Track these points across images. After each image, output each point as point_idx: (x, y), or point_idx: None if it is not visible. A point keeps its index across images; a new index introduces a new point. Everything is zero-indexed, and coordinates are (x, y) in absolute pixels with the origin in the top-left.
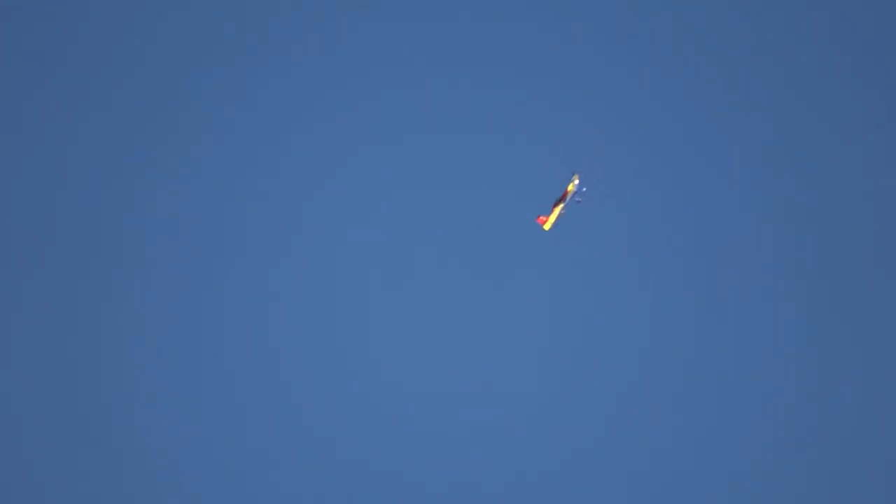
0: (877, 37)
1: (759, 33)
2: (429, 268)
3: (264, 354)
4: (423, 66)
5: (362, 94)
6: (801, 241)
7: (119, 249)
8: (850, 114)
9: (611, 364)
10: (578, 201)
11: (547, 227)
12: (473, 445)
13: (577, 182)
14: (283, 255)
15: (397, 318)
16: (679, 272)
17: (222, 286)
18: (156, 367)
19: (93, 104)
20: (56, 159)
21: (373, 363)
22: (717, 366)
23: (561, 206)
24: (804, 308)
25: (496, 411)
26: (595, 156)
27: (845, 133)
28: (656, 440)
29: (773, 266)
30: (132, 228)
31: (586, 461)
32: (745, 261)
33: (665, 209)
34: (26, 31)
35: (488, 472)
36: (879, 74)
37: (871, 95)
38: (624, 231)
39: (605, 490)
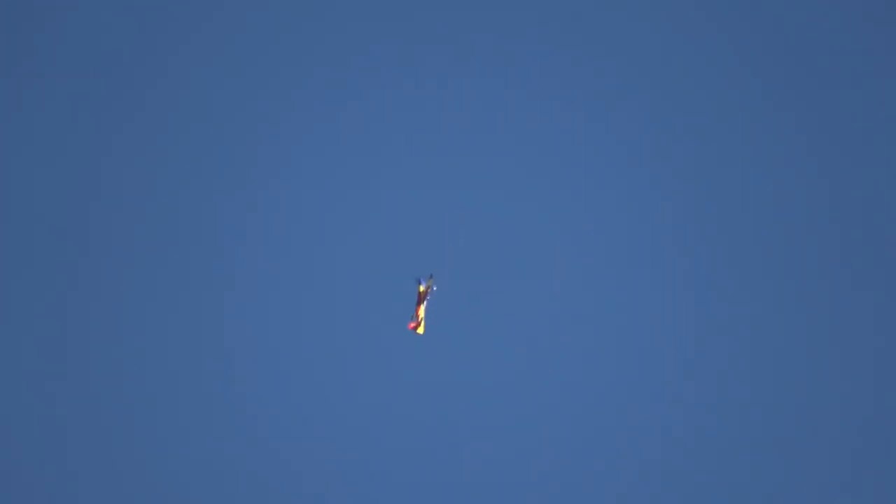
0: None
1: (755, 35)
2: (428, 268)
3: (265, 355)
4: (420, 66)
5: (360, 95)
6: (800, 242)
7: (114, 248)
8: (850, 114)
9: (611, 365)
10: (434, 290)
11: (421, 330)
12: (474, 445)
13: (430, 284)
14: (283, 254)
15: (396, 318)
16: (678, 273)
17: (223, 286)
18: (152, 366)
19: (92, 103)
20: (52, 158)
21: (372, 364)
22: (718, 366)
23: (422, 307)
24: (803, 308)
25: (495, 411)
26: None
27: (845, 133)
28: (655, 440)
29: (773, 267)
30: (128, 227)
31: (586, 462)
32: (745, 261)
33: (664, 209)
34: (25, 31)
35: (487, 473)
36: (879, 75)
37: (870, 96)
38: (623, 231)
39: (608, 491)
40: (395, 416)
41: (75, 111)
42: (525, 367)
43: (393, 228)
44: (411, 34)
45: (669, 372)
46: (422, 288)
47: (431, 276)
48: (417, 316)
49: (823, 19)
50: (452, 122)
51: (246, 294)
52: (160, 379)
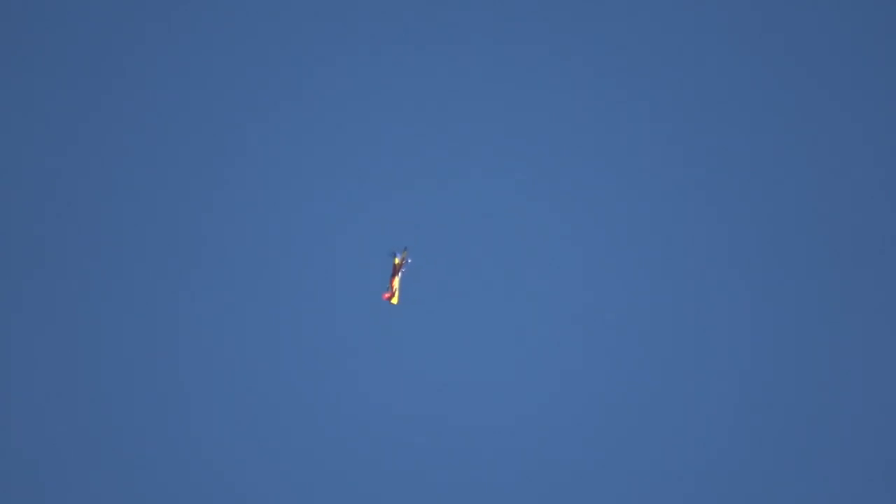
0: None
1: (755, 36)
2: (425, 269)
3: (267, 356)
4: (420, 68)
5: (361, 97)
6: (799, 242)
7: (117, 250)
8: (849, 115)
9: (610, 365)
10: (409, 262)
11: (395, 301)
12: (472, 446)
13: (405, 256)
14: (284, 255)
15: (395, 319)
16: (677, 272)
17: (224, 286)
18: (155, 367)
19: (94, 105)
20: (53, 159)
21: (372, 364)
22: (718, 367)
23: (397, 278)
24: (803, 308)
25: (494, 412)
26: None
27: (844, 133)
28: (653, 442)
29: (774, 267)
30: (131, 229)
31: (585, 463)
32: (746, 262)
33: (664, 209)
34: (27, 31)
35: (486, 473)
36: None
37: (870, 97)
38: (622, 231)
39: (607, 491)
40: (395, 418)
41: (76, 111)
42: (525, 365)
43: (388, 227)
44: (410, 33)
45: (671, 372)
46: (397, 260)
47: (406, 249)
48: (392, 287)
49: (823, 20)
50: (449, 121)
51: (243, 296)
52: (160, 381)
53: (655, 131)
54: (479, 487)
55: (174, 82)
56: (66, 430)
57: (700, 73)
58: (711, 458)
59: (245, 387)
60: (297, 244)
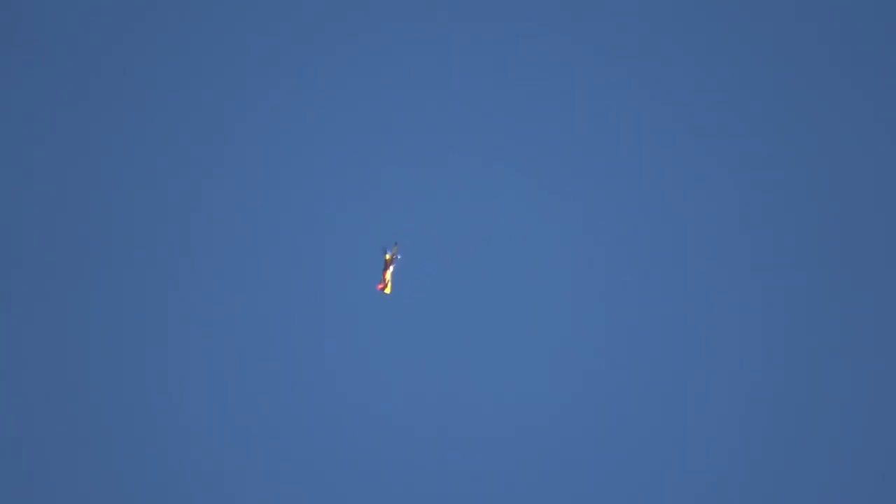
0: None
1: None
2: (426, 271)
3: (266, 357)
4: (423, 68)
5: (358, 96)
6: (799, 243)
7: (117, 251)
8: (849, 116)
9: (609, 367)
10: (399, 258)
11: (388, 290)
12: (471, 450)
13: (395, 251)
14: (284, 256)
15: (394, 323)
16: (677, 274)
17: (223, 288)
18: (155, 369)
19: (95, 104)
20: (57, 159)
21: (372, 367)
22: (718, 369)
23: (389, 272)
24: (803, 310)
25: (492, 416)
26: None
27: (844, 134)
28: (653, 445)
29: (774, 268)
30: (132, 230)
31: (584, 467)
32: (745, 263)
33: (662, 209)
34: (28, 31)
35: (486, 478)
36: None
37: (870, 98)
38: (621, 232)
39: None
40: (393, 425)
41: (72, 109)
42: (527, 372)
43: (387, 228)
44: (410, 28)
45: (677, 381)
46: (388, 256)
47: (396, 245)
48: (385, 279)
49: (822, 20)
50: (447, 119)
51: (241, 297)
52: (153, 383)
53: (664, 132)
54: (478, 498)
55: (168, 79)
56: (60, 428)
57: (703, 72)
58: (716, 476)
59: (241, 389)
60: (296, 244)
